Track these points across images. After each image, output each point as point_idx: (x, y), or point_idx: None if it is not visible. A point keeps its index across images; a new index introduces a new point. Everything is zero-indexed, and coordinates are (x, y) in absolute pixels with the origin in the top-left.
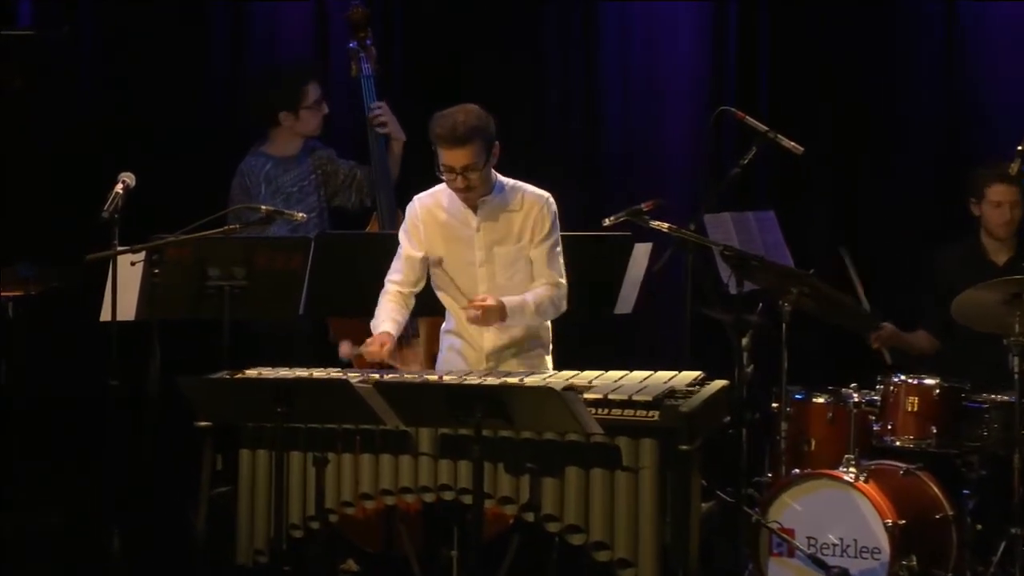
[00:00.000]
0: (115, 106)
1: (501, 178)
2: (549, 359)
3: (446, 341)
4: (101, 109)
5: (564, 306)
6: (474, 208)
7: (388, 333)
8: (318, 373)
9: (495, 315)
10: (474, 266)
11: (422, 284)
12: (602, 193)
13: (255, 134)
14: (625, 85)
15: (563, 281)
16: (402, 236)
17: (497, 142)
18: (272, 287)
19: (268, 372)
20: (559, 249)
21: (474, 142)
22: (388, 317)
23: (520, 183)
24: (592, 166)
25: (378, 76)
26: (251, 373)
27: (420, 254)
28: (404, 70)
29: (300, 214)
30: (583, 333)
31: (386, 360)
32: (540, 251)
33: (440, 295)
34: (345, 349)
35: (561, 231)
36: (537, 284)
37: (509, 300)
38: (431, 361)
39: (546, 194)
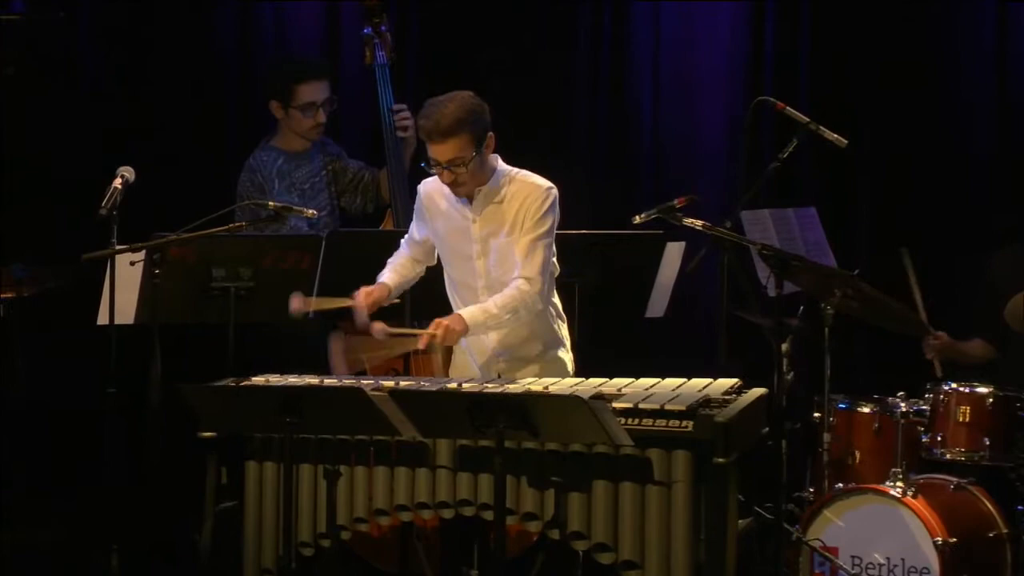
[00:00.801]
0: (115, 98)
1: (503, 166)
2: (567, 357)
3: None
4: (100, 101)
5: (539, 305)
6: (470, 198)
7: (383, 285)
8: (329, 380)
9: (454, 334)
10: (471, 259)
11: (429, 261)
12: (632, 189)
13: (263, 127)
14: (656, 75)
15: (537, 278)
16: (413, 218)
17: (491, 132)
18: (280, 288)
19: (276, 379)
20: (546, 243)
21: (459, 135)
22: (393, 268)
23: (523, 172)
24: (621, 160)
25: (393, 64)
26: (258, 380)
27: (419, 238)
28: (420, 59)
29: (311, 211)
30: (612, 337)
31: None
32: (523, 241)
33: (449, 292)
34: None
35: (589, 229)
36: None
37: (469, 312)
38: (449, 368)
39: (546, 184)
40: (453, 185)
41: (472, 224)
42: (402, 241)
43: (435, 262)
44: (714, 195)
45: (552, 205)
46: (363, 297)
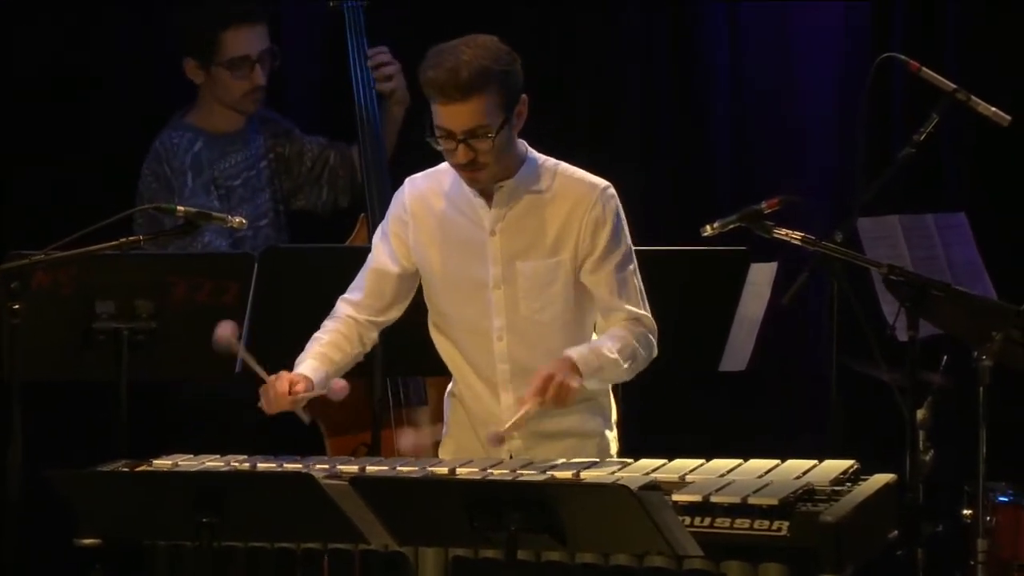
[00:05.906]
0: None
1: (534, 154)
2: (613, 437)
3: (449, 410)
4: None
5: (655, 350)
6: (488, 198)
7: (303, 377)
8: (264, 464)
9: (569, 392)
10: (486, 288)
11: (394, 314)
12: (701, 186)
13: (180, 102)
14: (733, 20)
15: (647, 315)
16: (378, 235)
17: (524, 95)
18: (194, 331)
19: (188, 462)
20: (632, 266)
21: (484, 92)
22: (316, 353)
23: (563, 165)
24: (687, 147)
25: (369, 5)
26: (162, 463)
27: (395, 269)
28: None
29: (237, 219)
30: (671, 400)
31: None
32: (602, 275)
33: (436, 338)
34: (408, 439)
35: (644, 246)
36: (606, 322)
37: (580, 355)
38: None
39: (602, 182)
40: (469, 168)
41: (490, 237)
42: (341, 298)
43: (399, 318)
44: (819, 195)
45: (618, 210)
46: (284, 385)
